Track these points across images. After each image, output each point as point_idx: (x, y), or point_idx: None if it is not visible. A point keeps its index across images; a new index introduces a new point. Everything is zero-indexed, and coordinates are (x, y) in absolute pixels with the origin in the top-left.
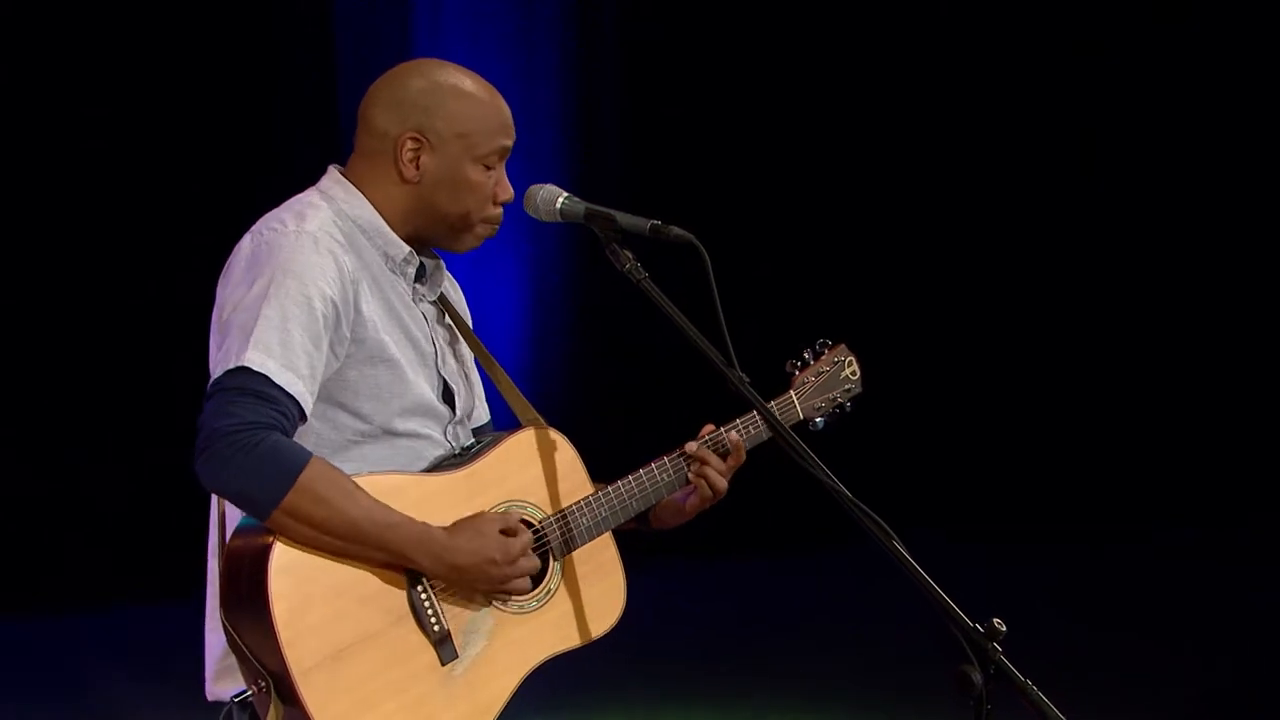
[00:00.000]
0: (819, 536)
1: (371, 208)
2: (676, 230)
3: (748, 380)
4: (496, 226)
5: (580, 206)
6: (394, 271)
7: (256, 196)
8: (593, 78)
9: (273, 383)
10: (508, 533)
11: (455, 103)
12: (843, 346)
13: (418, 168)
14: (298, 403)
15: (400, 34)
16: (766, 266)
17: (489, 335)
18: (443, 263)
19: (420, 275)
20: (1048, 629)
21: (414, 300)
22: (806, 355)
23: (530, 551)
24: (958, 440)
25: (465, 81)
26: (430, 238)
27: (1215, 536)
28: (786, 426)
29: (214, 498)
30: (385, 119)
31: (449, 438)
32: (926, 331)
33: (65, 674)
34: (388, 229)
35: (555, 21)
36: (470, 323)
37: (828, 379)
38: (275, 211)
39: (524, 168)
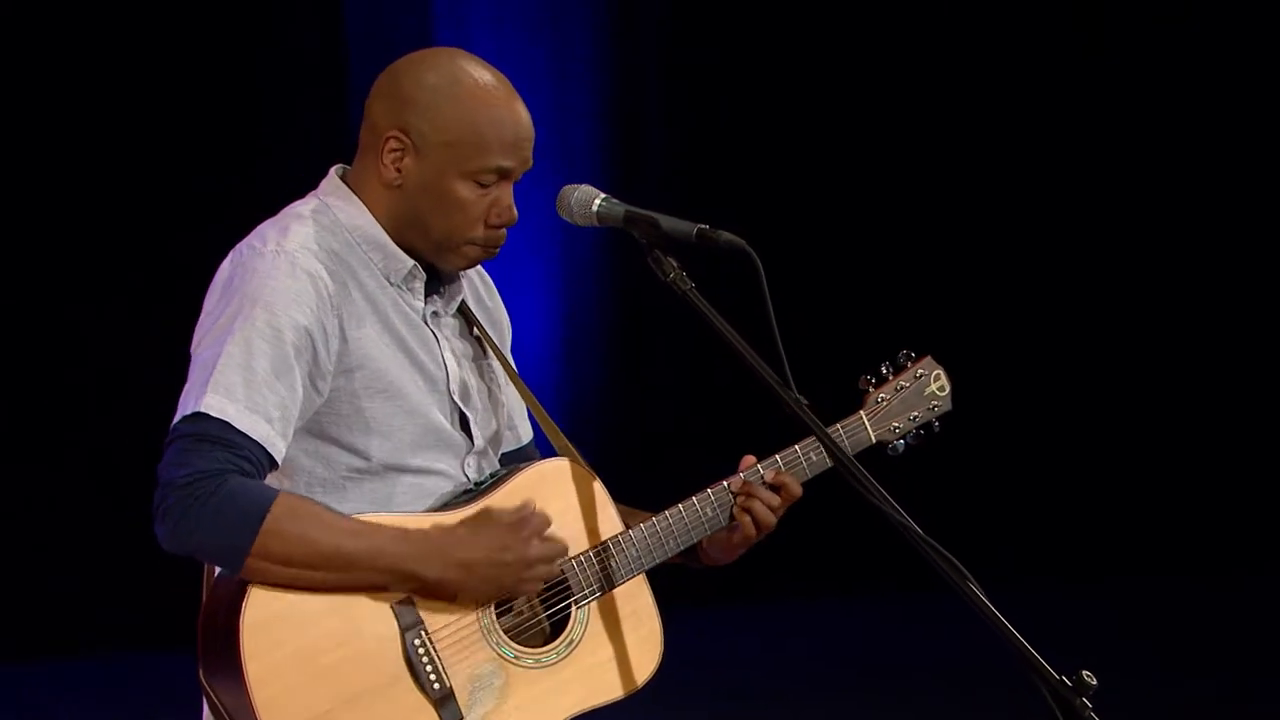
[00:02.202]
0: (885, 577)
1: (370, 216)
2: (726, 235)
3: (806, 403)
4: (493, 250)
5: (619, 209)
6: (398, 287)
7: (256, 194)
8: (632, 64)
9: (233, 429)
10: (520, 517)
11: (451, 106)
12: (929, 359)
13: (398, 170)
14: (264, 449)
15: (419, 16)
16: (829, 274)
17: (513, 352)
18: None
19: (435, 288)
20: (1139, 679)
21: (425, 317)
22: (884, 369)
23: (550, 531)
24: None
25: (475, 83)
26: (417, 249)
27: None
28: (849, 454)
29: None
30: (378, 110)
31: (467, 471)
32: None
33: None
34: (387, 240)
35: (590, 2)
36: (508, 335)
37: (909, 395)
38: (263, 225)
39: (556, 166)
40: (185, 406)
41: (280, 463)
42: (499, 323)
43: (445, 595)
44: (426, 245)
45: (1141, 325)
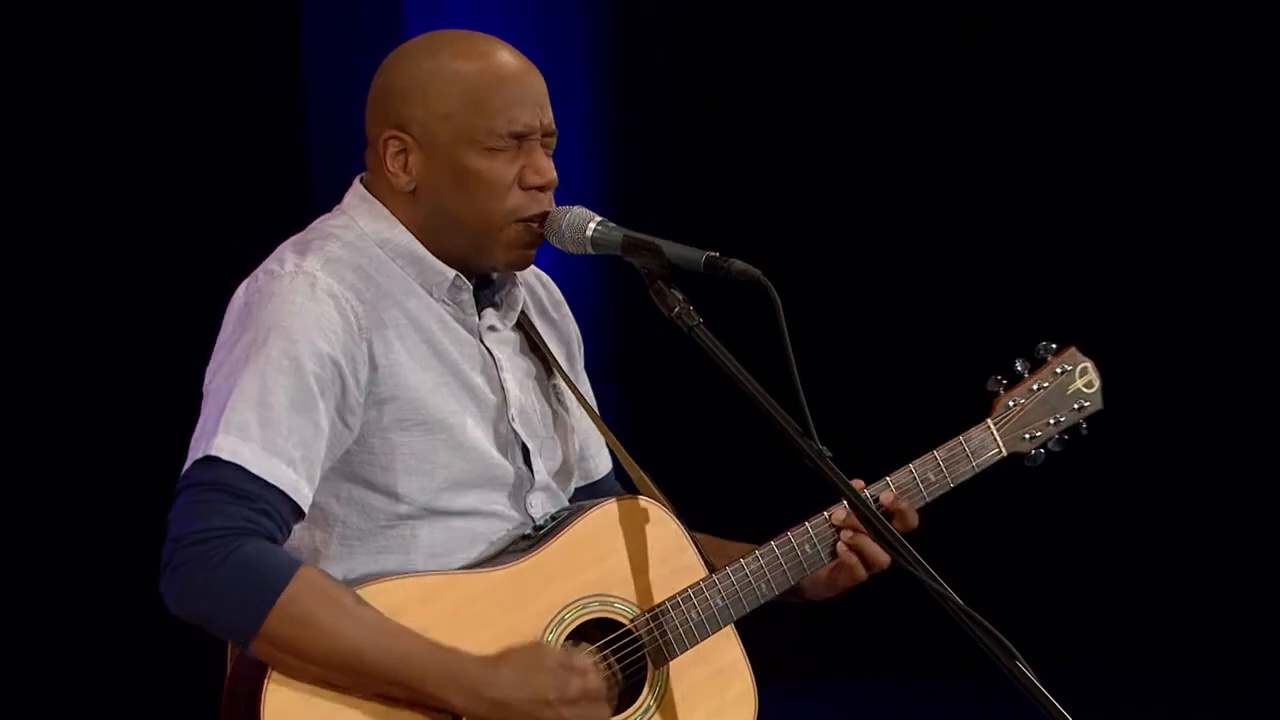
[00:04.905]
0: (928, 655)
1: (401, 227)
2: (739, 264)
3: (829, 454)
4: (538, 227)
5: (617, 234)
6: (443, 302)
7: (194, 208)
8: (633, 68)
9: (249, 475)
10: (571, 670)
11: (438, 81)
12: (1073, 351)
13: (407, 171)
14: (286, 496)
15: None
16: (855, 306)
17: None
18: (518, 278)
19: (490, 298)
20: None
21: (480, 334)
22: (1019, 367)
23: (600, 698)
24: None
25: (457, 48)
26: (462, 256)
27: None
28: (875, 508)
29: None
30: (369, 119)
31: (530, 510)
32: None
33: None
34: (424, 252)
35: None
36: (579, 351)
37: (1049, 396)
38: (284, 244)
39: None
40: (195, 449)
41: (306, 512)
42: (567, 337)
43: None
44: (467, 244)
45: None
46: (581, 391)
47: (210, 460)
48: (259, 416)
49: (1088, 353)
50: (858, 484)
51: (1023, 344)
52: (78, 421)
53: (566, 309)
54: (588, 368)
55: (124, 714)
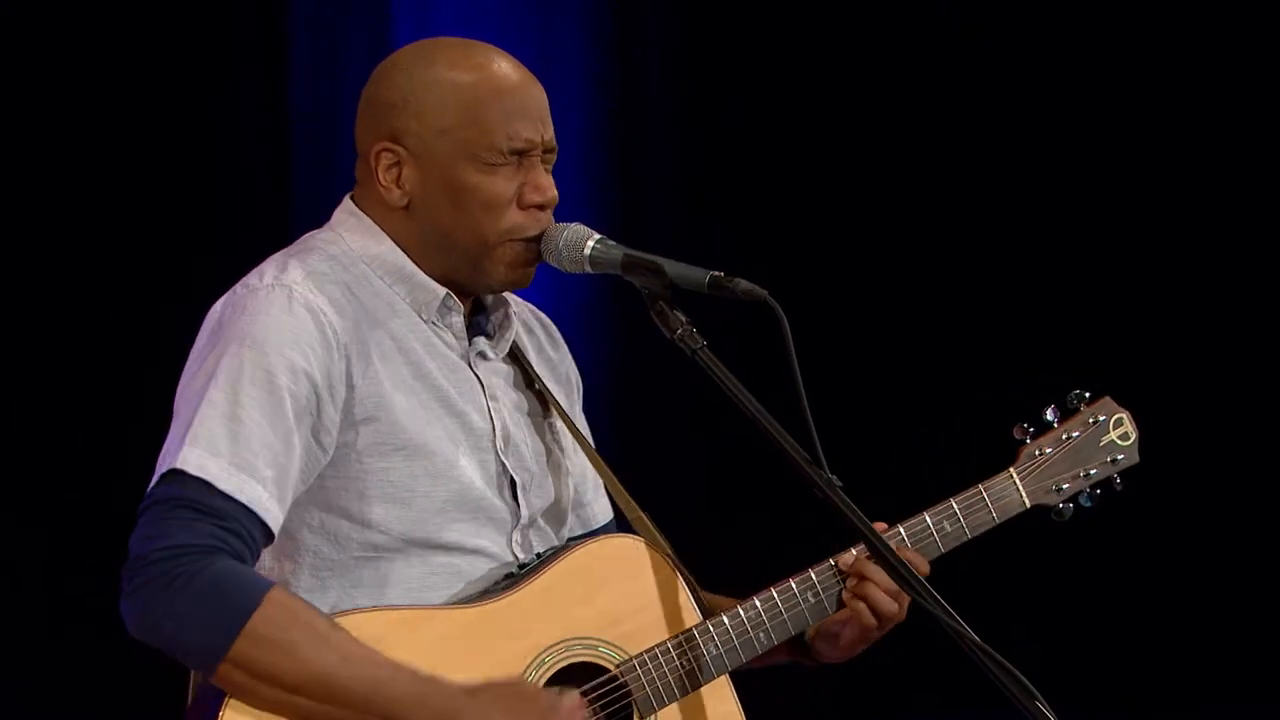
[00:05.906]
0: (942, 694)
1: (391, 243)
2: (744, 284)
3: (839, 484)
4: (536, 247)
5: (617, 253)
6: (431, 324)
7: (190, 207)
8: (632, 74)
9: (216, 490)
10: (557, 711)
11: (434, 92)
12: (1107, 400)
13: (400, 185)
14: (254, 514)
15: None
16: (872, 328)
17: None
18: (512, 305)
19: (482, 326)
20: None
21: (469, 359)
22: (1049, 415)
23: None
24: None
25: (453, 58)
26: (456, 275)
27: None
28: (891, 547)
29: None
30: (359, 130)
31: (516, 548)
32: None
33: None
34: (414, 269)
35: (585, 4)
36: (577, 393)
37: (1079, 447)
38: (269, 259)
39: None
40: (161, 463)
41: (276, 534)
42: (566, 378)
43: None
44: (462, 262)
45: None
46: (581, 433)
47: (175, 474)
48: (228, 430)
49: (1123, 402)
50: (879, 527)
51: (1052, 381)
52: (78, 421)
53: (565, 350)
54: (587, 392)
55: (124, 714)
